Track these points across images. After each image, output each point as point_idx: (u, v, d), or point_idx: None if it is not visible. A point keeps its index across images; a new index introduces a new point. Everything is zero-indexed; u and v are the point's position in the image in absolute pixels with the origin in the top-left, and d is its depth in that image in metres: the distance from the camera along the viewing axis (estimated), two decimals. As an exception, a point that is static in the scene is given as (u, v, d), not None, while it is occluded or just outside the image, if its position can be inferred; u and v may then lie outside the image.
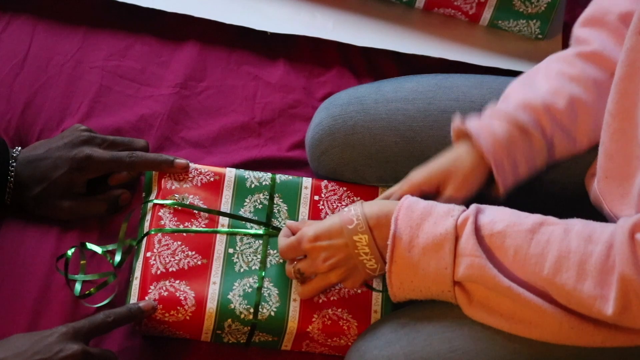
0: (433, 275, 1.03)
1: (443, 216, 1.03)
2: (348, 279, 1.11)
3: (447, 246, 1.02)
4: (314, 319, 1.14)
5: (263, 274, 1.16)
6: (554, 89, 1.14)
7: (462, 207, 1.05)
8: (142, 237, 1.18)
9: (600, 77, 1.13)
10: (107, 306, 1.17)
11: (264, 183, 1.23)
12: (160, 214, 1.19)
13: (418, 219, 1.04)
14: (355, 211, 1.08)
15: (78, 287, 1.18)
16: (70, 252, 1.18)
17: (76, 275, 1.19)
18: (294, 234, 1.13)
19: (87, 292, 1.17)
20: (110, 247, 1.21)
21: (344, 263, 1.09)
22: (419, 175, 1.14)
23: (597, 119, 1.13)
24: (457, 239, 1.02)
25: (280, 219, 1.21)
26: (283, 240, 1.13)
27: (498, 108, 1.15)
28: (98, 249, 1.20)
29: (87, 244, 1.20)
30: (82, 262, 1.19)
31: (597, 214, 1.15)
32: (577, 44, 1.17)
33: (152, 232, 1.17)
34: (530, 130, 1.13)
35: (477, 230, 1.02)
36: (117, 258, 1.20)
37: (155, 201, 1.19)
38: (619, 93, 1.00)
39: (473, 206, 1.04)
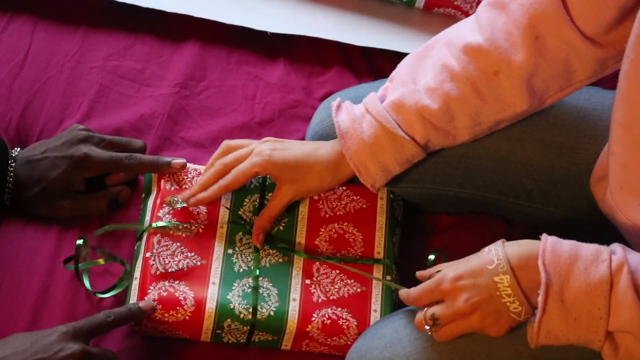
0: (585, 324, 0.97)
1: (593, 261, 0.97)
2: (492, 326, 1.03)
3: (603, 295, 0.96)
4: (313, 319, 1.14)
5: (257, 273, 1.16)
6: (433, 87, 1.13)
7: (609, 249, 0.99)
8: (142, 233, 1.19)
9: (479, 77, 1.12)
10: (111, 304, 1.18)
11: (264, 183, 1.23)
12: (159, 214, 1.19)
13: (566, 264, 0.98)
14: (496, 251, 1.02)
15: (86, 281, 1.19)
16: (80, 242, 1.17)
17: (89, 262, 1.19)
18: (424, 279, 1.08)
19: (105, 290, 1.18)
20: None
21: (487, 305, 1.02)
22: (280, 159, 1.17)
23: (476, 117, 1.14)
24: (611, 285, 0.96)
25: (279, 219, 1.21)
26: (418, 286, 1.07)
27: (373, 100, 1.16)
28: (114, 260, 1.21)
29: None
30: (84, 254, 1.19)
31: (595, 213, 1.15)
32: (475, 23, 1.14)
33: (153, 227, 1.18)
34: (398, 134, 1.14)
35: (632, 278, 0.96)
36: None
37: (153, 225, 1.18)
38: (627, 103, 0.99)
39: (620, 251, 0.98)
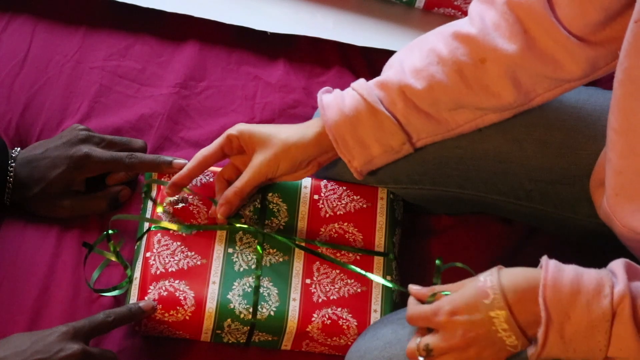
0: (584, 354, 0.97)
1: (595, 295, 0.95)
2: (489, 358, 1.01)
3: (604, 331, 0.95)
4: (313, 319, 1.14)
5: (259, 273, 1.16)
6: (418, 68, 1.14)
7: (611, 279, 0.96)
8: (143, 235, 1.19)
9: (465, 63, 1.12)
10: (111, 304, 1.18)
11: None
12: (159, 213, 1.19)
13: (567, 299, 0.96)
14: (492, 282, 0.98)
15: (95, 275, 1.19)
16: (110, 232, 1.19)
17: (101, 251, 1.20)
18: (419, 299, 1.05)
19: (103, 289, 1.18)
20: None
21: (483, 340, 0.99)
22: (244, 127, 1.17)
23: (459, 102, 1.14)
24: (612, 316, 0.95)
25: (279, 218, 1.21)
26: (415, 307, 1.04)
27: (360, 80, 1.17)
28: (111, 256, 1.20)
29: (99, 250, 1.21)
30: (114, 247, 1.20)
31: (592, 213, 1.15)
32: (468, 18, 1.16)
33: (153, 229, 1.18)
34: (378, 109, 1.14)
35: (634, 308, 0.95)
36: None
37: (153, 228, 1.18)
38: (622, 111, 0.99)
39: (621, 277, 0.96)
